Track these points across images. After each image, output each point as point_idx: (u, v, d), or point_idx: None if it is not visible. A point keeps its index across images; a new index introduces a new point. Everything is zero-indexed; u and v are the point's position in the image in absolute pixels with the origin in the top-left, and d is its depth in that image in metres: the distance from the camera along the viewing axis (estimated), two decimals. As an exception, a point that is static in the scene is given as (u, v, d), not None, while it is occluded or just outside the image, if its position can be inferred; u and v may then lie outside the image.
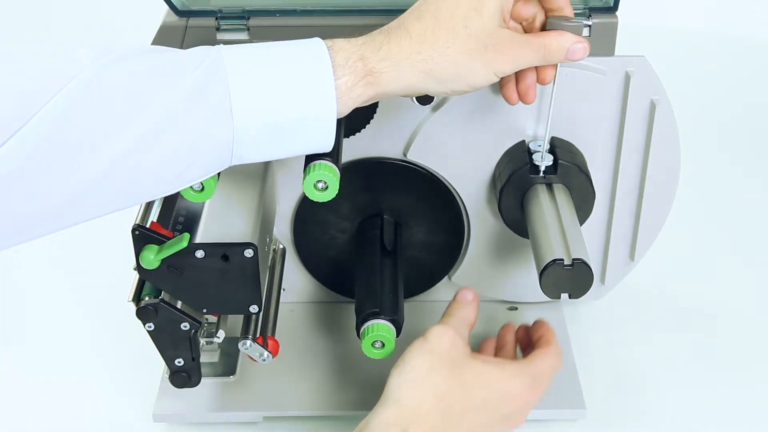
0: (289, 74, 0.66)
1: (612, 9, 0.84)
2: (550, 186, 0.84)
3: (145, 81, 0.64)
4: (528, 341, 0.85)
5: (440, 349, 0.77)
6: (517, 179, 0.85)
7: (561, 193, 0.84)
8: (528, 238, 0.84)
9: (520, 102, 0.78)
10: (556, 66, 0.75)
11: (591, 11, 0.84)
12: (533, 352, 0.81)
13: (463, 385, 0.76)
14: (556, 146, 0.85)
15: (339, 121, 0.70)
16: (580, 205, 0.85)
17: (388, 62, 0.68)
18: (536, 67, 0.75)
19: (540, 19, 0.74)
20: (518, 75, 0.77)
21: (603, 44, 0.84)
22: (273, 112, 0.66)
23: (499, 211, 0.87)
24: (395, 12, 0.82)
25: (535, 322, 0.85)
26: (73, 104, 0.61)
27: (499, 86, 0.78)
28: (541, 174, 0.84)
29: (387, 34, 0.70)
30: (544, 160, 0.84)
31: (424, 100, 0.85)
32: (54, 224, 0.64)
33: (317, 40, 0.68)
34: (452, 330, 0.78)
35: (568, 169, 0.84)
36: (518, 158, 0.86)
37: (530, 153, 0.86)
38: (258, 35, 0.84)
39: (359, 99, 0.68)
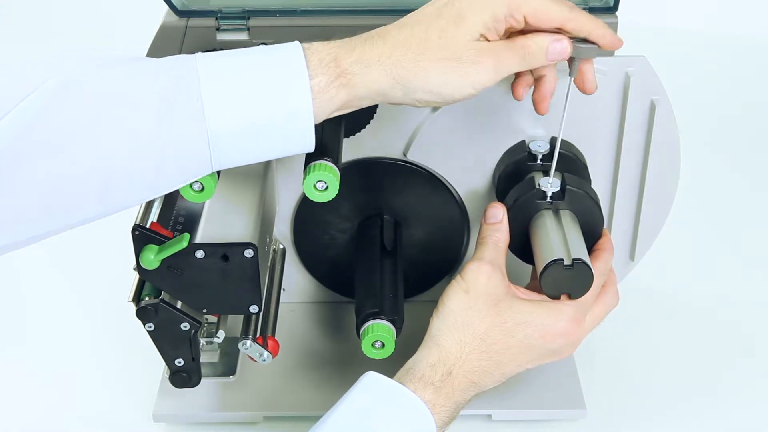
0: (263, 74, 0.66)
1: (612, 9, 0.84)
2: (556, 212, 0.82)
3: (117, 84, 0.64)
4: None
5: (476, 289, 0.77)
6: (522, 204, 0.82)
7: (567, 218, 0.81)
8: (532, 264, 0.82)
9: (519, 102, 0.77)
10: (569, 82, 0.74)
11: (591, 11, 0.84)
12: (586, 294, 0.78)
13: (503, 324, 0.76)
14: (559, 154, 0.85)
15: (337, 122, 0.69)
16: (588, 231, 0.81)
17: (360, 65, 0.67)
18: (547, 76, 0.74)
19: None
20: (536, 83, 0.75)
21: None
22: (247, 112, 0.65)
23: None
24: (395, 12, 0.82)
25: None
26: (46, 105, 0.62)
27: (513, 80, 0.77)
28: (548, 200, 0.81)
29: (364, 39, 0.69)
30: (551, 185, 0.81)
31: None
32: (28, 226, 0.64)
33: (295, 42, 0.68)
34: (487, 265, 0.78)
35: (577, 195, 0.81)
36: (523, 184, 0.83)
37: (531, 153, 0.86)
38: (258, 35, 0.84)
39: (334, 102, 0.67)
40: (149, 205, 0.78)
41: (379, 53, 0.68)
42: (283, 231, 0.95)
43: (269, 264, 0.90)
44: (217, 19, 0.84)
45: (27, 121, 0.61)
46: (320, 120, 0.68)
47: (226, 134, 0.65)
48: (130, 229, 0.74)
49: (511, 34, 0.71)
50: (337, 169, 0.71)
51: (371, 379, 0.74)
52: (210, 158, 0.65)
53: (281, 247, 0.94)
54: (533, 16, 0.69)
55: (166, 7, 0.85)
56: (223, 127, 0.64)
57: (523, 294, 0.79)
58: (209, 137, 0.64)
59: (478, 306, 0.76)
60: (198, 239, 0.77)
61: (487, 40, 0.69)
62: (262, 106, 0.65)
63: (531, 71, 0.75)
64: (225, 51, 0.68)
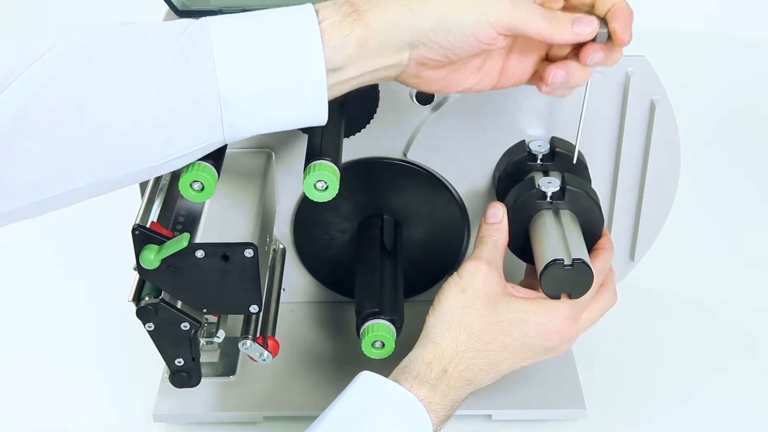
0: (273, 30, 0.65)
1: (612, 9, 0.84)
2: (556, 212, 0.81)
3: (130, 45, 0.65)
4: None
5: (474, 287, 0.77)
6: (522, 204, 0.81)
7: (567, 218, 0.81)
8: (532, 263, 0.82)
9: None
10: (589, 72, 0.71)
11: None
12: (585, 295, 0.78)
13: (499, 323, 0.76)
14: (556, 147, 0.85)
15: (337, 122, 0.69)
16: (588, 231, 0.81)
17: (372, 2, 0.66)
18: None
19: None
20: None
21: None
22: (259, 70, 0.64)
23: None
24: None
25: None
26: (58, 69, 0.63)
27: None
28: (548, 200, 0.81)
29: None
30: (551, 185, 0.81)
31: (424, 99, 0.85)
32: (44, 188, 0.65)
33: (307, 3, 0.67)
34: (485, 264, 0.78)
35: (577, 195, 0.81)
36: (523, 184, 0.83)
37: (531, 153, 0.86)
38: (258, 35, 0.84)
39: (349, 40, 0.65)
40: (149, 205, 0.78)
41: None
42: (283, 231, 0.95)
43: (269, 264, 0.90)
44: (217, 19, 0.84)
45: (41, 84, 0.62)
46: (334, 66, 0.66)
47: (238, 95, 0.64)
48: (130, 229, 0.74)
49: None
50: (337, 169, 0.71)
51: (366, 378, 0.74)
52: (222, 124, 0.65)
53: (281, 247, 0.94)
54: None
55: (166, 7, 0.85)
56: (235, 89, 0.64)
57: (519, 292, 0.79)
58: (221, 98, 0.64)
59: (475, 305, 0.76)
60: (198, 239, 0.77)
61: None
62: (273, 64, 0.65)
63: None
64: (236, 14, 0.67)
